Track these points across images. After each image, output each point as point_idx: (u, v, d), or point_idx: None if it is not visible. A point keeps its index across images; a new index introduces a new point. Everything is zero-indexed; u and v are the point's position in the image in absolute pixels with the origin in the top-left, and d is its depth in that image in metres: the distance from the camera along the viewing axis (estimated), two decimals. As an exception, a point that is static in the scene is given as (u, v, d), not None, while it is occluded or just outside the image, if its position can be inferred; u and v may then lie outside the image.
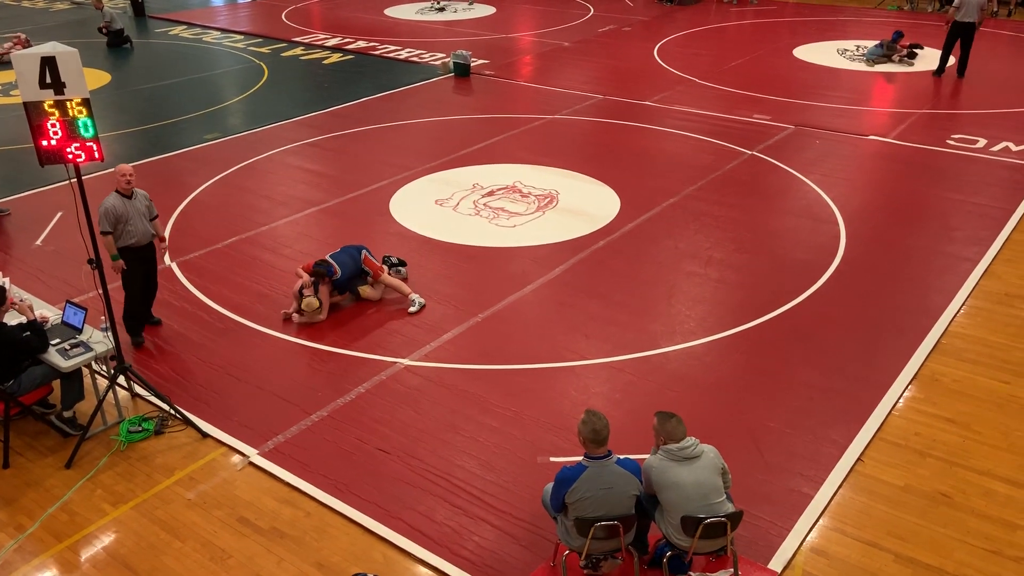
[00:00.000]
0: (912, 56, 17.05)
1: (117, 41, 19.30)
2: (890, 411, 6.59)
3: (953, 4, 15.41)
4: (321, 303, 7.91)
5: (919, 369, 7.11)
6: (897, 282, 8.50)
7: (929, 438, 6.31)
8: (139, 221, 7.34)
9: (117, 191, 7.26)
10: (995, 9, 21.65)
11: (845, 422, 6.47)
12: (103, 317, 6.58)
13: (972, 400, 6.75)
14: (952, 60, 15.90)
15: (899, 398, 6.75)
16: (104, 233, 7.20)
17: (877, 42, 17.38)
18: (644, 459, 4.93)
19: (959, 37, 15.43)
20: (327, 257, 8.12)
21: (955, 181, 11.00)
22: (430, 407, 6.72)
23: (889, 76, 16.12)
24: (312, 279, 7.90)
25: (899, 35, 17.25)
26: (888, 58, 16.99)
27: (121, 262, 7.34)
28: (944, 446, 6.23)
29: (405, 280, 8.52)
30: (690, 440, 4.75)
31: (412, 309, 8.07)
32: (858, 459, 6.08)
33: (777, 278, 8.62)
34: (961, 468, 6.01)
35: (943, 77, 15.80)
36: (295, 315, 7.93)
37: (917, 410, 6.62)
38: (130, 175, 7.27)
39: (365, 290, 8.27)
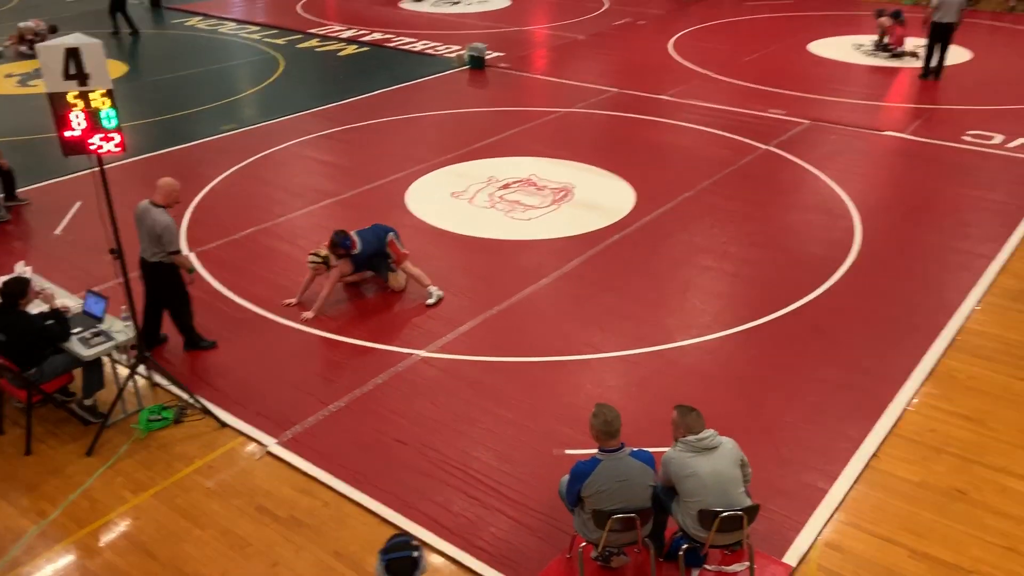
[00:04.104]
0: (898, 56, 16.79)
1: (120, 5, 19.20)
2: (906, 407, 6.60)
3: (932, 3, 14.91)
4: (324, 260, 7.90)
5: (935, 365, 7.11)
6: (912, 278, 8.48)
7: (945, 434, 6.31)
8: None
9: (157, 204, 6.88)
10: (1012, 4, 21.44)
11: (860, 417, 6.47)
12: (124, 306, 6.65)
13: (988, 397, 6.74)
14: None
15: (915, 394, 6.76)
16: (177, 252, 6.97)
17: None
18: (660, 451, 4.96)
19: (939, 38, 14.86)
20: (352, 232, 8.12)
21: (971, 177, 10.95)
22: (447, 399, 6.77)
23: (904, 71, 16.00)
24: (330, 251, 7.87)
25: (898, 13, 17.14)
26: (882, 45, 17.07)
27: (196, 272, 7.17)
28: (960, 442, 6.23)
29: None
30: (708, 431, 4.78)
31: (430, 301, 8.11)
32: (873, 455, 6.09)
33: (792, 273, 8.61)
34: (977, 465, 6.01)
35: (956, 74, 15.52)
36: (305, 313, 7.90)
37: (933, 406, 6.62)
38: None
39: (393, 280, 8.31)
